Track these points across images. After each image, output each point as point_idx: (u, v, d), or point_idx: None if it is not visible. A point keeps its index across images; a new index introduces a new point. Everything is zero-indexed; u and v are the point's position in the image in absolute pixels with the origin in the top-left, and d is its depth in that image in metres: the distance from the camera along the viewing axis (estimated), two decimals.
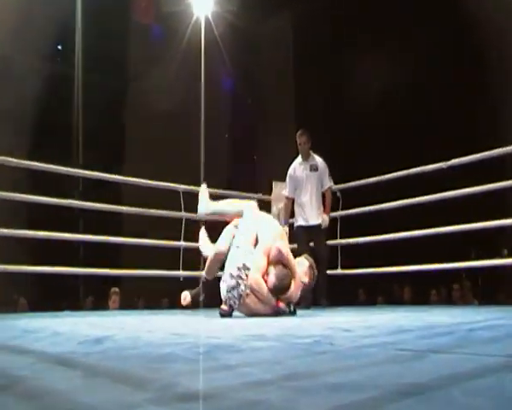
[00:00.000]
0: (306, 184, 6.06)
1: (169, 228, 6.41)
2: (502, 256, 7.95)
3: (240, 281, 3.91)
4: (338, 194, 6.67)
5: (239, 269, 3.93)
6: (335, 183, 6.77)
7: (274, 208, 6.83)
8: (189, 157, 10.59)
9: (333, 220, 6.58)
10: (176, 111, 11.09)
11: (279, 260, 3.95)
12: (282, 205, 6.88)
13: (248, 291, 3.86)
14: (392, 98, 9.90)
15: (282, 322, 3.28)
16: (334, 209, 6.64)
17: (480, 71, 8.91)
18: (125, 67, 12.61)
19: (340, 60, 10.71)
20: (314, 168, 6.10)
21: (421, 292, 8.21)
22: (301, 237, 5.97)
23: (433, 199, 5.94)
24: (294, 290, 3.98)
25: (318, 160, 6.16)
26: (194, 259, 6.39)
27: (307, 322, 3.41)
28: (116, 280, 7.67)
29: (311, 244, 6.01)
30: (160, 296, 9.88)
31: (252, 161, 11.80)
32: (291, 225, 6.10)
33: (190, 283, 6.22)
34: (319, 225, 5.99)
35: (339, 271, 6.40)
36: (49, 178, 5.89)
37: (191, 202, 6.50)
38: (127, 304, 8.23)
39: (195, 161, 10.41)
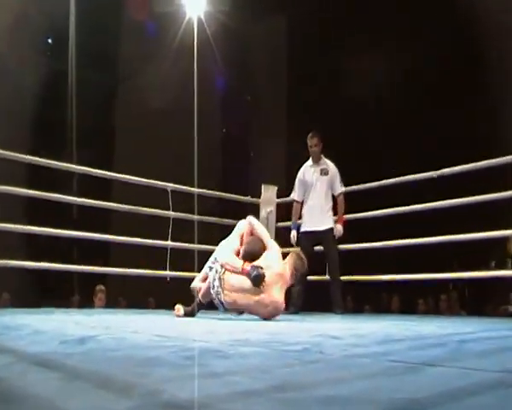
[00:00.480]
0: (316, 188, 5.90)
1: (158, 228, 6.34)
2: (490, 268, 7.95)
3: (213, 266, 4.12)
4: None
5: (212, 262, 4.20)
6: None
7: (263, 212, 6.81)
8: (181, 156, 10.53)
9: None
10: (168, 109, 11.02)
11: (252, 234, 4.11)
12: (271, 208, 6.84)
13: (223, 275, 3.90)
14: (388, 98, 9.84)
15: (268, 327, 3.23)
16: None
17: (480, 71, 8.88)
18: (117, 64, 12.52)
19: (333, 59, 10.67)
20: (325, 172, 5.93)
21: (408, 302, 8.19)
22: (305, 243, 5.82)
23: (425, 208, 5.91)
24: (272, 263, 3.94)
25: (329, 164, 5.99)
26: (181, 259, 6.34)
27: (294, 328, 3.36)
28: (102, 278, 7.58)
29: (318, 248, 5.89)
30: (146, 296, 9.81)
31: (244, 162, 11.72)
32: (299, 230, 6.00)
33: (177, 282, 6.18)
34: (329, 230, 5.82)
35: (327, 277, 6.36)
36: (34, 172, 5.83)
37: (180, 200, 6.47)
38: (113, 302, 8.15)
39: (187, 160, 10.35)
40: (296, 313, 5.52)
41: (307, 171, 6.00)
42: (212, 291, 4.01)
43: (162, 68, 10.87)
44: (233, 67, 11.61)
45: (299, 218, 6.05)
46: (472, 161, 5.49)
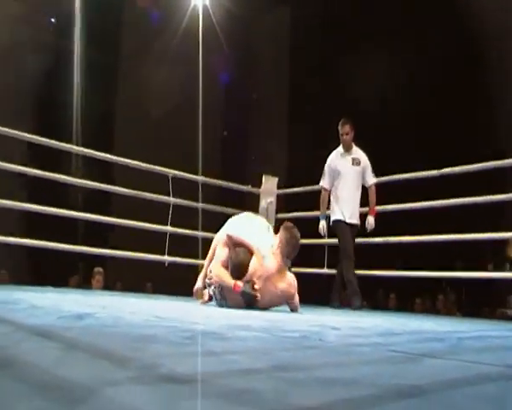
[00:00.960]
0: (347, 178, 5.56)
1: (158, 213, 6.32)
2: (488, 270, 7.94)
3: (210, 281, 3.98)
4: None
5: (209, 278, 4.02)
6: None
7: (263, 202, 6.78)
8: (182, 144, 10.49)
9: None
10: (171, 97, 10.98)
11: (235, 245, 3.87)
12: (271, 199, 6.79)
13: (222, 290, 3.81)
14: (391, 98, 9.77)
15: (267, 315, 3.22)
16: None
17: (480, 71, 8.82)
18: (121, 51, 12.43)
19: (338, 54, 10.59)
20: (356, 162, 5.59)
21: (405, 300, 8.19)
22: (345, 230, 5.51)
23: (424, 206, 5.88)
24: (259, 266, 3.74)
25: (361, 153, 5.67)
26: (181, 245, 6.34)
27: (293, 318, 3.35)
28: (101, 261, 7.57)
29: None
30: (144, 281, 9.80)
31: (243, 152, 11.66)
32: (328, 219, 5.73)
33: (175, 268, 6.17)
34: (357, 226, 5.57)
35: (325, 270, 6.34)
36: (34, 151, 5.81)
37: (181, 187, 6.45)
38: (111, 285, 8.15)
39: (188, 147, 10.34)
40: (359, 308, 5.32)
41: (338, 159, 5.66)
42: (216, 302, 3.95)
43: (167, 55, 10.82)
44: (237, 55, 11.53)
45: (328, 208, 5.74)
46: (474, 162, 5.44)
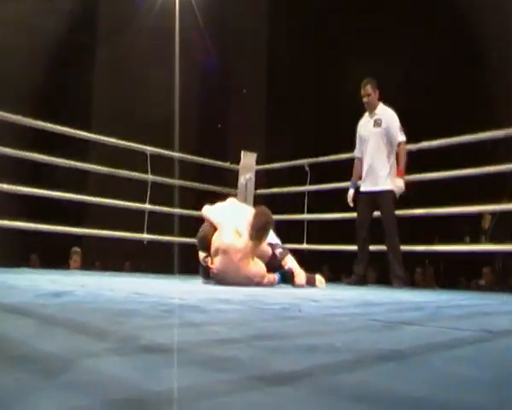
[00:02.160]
0: (369, 142, 5.18)
1: (137, 191, 6.26)
2: (464, 243, 8.04)
3: None
4: (306, 168, 6.54)
5: None
6: (305, 156, 6.64)
7: (241, 178, 6.76)
8: (160, 121, 10.39)
9: (301, 195, 6.51)
10: (148, 74, 10.84)
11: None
12: (250, 175, 6.78)
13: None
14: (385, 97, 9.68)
15: (246, 289, 3.23)
16: (302, 183, 6.53)
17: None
18: (96, 24, 12.21)
19: (316, 41, 10.53)
20: (378, 123, 5.17)
21: (385, 273, 8.24)
22: (361, 206, 5.22)
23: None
24: (218, 241, 3.90)
25: (386, 112, 5.20)
26: (160, 222, 6.30)
27: (272, 292, 3.36)
28: (77, 240, 7.49)
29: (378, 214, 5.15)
30: (123, 259, 9.75)
31: (221, 128, 11.58)
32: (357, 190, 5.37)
33: (154, 246, 6.13)
34: (385, 192, 5.03)
35: (304, 245, 6.37)
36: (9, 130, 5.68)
37: (160, 165, 6.39)
38: (88, 265, 8.09)
39: (166, 125, 10.23)
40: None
41: (363, 124, 5.34)
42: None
43: (143, 31, 10.66)
44: (213, 31, 11.40)
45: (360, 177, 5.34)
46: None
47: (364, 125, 5.29)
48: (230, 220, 3.96)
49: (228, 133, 10.82)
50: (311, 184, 6.54)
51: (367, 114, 5.30)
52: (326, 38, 10.43)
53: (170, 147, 6.81)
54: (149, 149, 6.14)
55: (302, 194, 6.52)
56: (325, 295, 3.05)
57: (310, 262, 5.89)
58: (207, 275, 3.99)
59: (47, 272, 5.34)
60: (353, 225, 5.32)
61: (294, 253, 5.94)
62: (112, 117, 10.40)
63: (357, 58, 9.31)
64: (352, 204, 5.43)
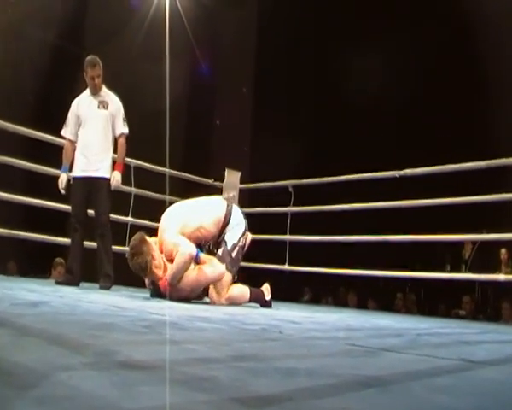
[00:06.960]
0: (92, 123, 4.69)
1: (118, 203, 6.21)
2: (445, 271, 8.08)
3: None
4: (290, 189, 6.54)
5: None
6: (290, 177, 6.64)
7: (225, 196, 6.75)
8: (147, 134, 10.33)
9: (283, 215, 6.48)
10: (136, 86, 10.82)
11: None
12: (233, 193, 6.78)
13: None
14: (380, 96, 9.51)
15: (227, 309, 3.20)
16: (285, 205, 6.50)
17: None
18: (85, 34, 12.15)
19: (307, 44, 10.45)
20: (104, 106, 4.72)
21: (364, 299, 8.26)
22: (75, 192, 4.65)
23: (386, 206, 5.95)
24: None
25: (112, 95, 4.82)
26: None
27: (252, 312, 3.34)
28: (59, 249, 7.35)
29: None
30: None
31: (206, 147, 11.54)
32: None
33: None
34: (103, 179, 4.59)
35: (286, 267, 6.36)
36: None
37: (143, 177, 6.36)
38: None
39: (153, 138, 10.18)
40: None
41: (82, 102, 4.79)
42: None
43: (133, 43, 10.65)
44: (204, 44, 11.40)
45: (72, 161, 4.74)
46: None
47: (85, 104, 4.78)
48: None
49: (212, 150, 10.76)
50: (294, 205, 6.54)
51: (88, 93, 4.80)
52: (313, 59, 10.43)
53: (154, 161, 6.73)
54: (133, 161, 6.12)
55: (285, 215, 6.50)
56: (306, 317, 3.04)
57: (291, 283, 5.89)
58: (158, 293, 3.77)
59: (25, 280, 5.25)
60: (334, 250, 5.39)
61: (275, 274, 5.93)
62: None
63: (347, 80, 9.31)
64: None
